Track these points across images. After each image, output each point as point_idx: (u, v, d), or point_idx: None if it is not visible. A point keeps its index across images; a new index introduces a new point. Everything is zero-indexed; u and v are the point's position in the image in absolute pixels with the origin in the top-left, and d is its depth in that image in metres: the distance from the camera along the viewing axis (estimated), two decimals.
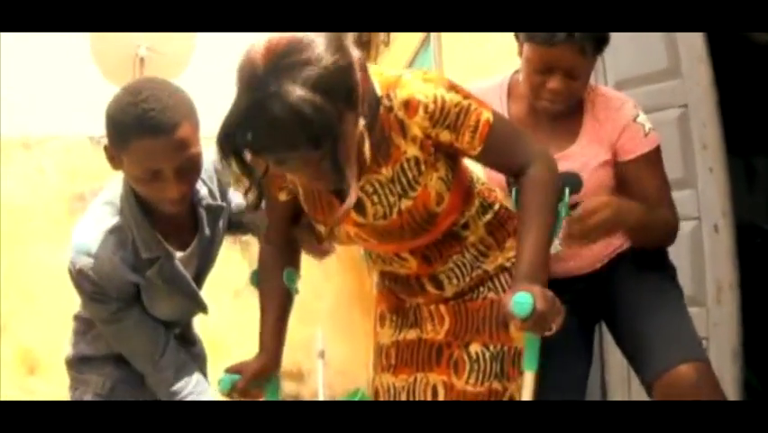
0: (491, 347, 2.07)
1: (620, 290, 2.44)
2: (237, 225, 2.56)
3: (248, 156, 1.78)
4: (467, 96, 1.93)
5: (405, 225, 1.96)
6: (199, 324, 2.79)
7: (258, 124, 1.66)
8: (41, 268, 8.03)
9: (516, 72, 2.44)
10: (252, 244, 2.61)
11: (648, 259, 2.47)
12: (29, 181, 7.98)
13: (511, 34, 2.34)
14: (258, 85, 1.65)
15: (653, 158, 2.40)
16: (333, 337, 6.56)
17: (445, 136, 1.90)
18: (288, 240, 2.22)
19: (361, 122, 1.81)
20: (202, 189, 2.27)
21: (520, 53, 2.35)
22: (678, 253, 2.62)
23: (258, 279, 2.23)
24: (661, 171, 2.43)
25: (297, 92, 1.62)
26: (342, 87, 1.71)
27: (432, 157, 1.93)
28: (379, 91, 1.90)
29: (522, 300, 1.77)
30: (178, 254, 2.28)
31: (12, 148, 8.18)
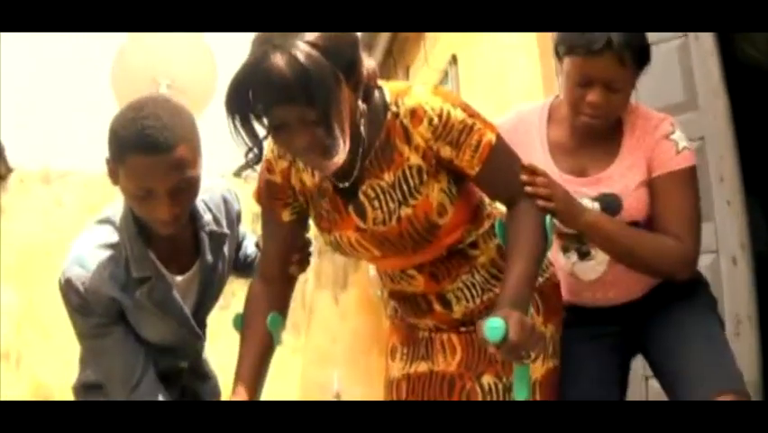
0: (504, 379, 2.04)
1: (660, 320, 2.35)
2: (246, 268, 2.55)
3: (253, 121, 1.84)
4: (473, 114, 1.92)
5: (404, 234, 1.95)
6: (215, 361, 2.77)
7: (259, 74, 1.71)
8: (58, 303, 8.02)
9: (557, 96, 2.42)
10: None
11: (688, 290, 2.38)
12: (47, 215, 8.03)
13: (532, 69, 2.36)
14: (265, 39, 1.73)
15: (683, 177, 2.28)
16: (350, 379, 6.51)
17: (446, 152, 1.90)
18: (281, 277, 2.16)
19: (361, 105, 1.86)
20: (206, 215, 2.26)
21: (559, 72, 2.33)
22: None
23: (241, 320, 2.16)
24: (689, 194, 2.29)
25: (300, 47, 1.69)
26: (344, 56, 1.76)
27: (434, 168, 1.92)
28: (388, 97, 1.93)
29: (495, 325, 1.73)
30: (177, 278, 2.25)
31: (31, 181, 8.24)
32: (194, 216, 2.23)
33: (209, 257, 2.26)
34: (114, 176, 2.06)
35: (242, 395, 1.98)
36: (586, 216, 2.16)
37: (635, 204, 2.28)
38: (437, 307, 2.07)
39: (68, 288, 2.18)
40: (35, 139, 7.23)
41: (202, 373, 2.61)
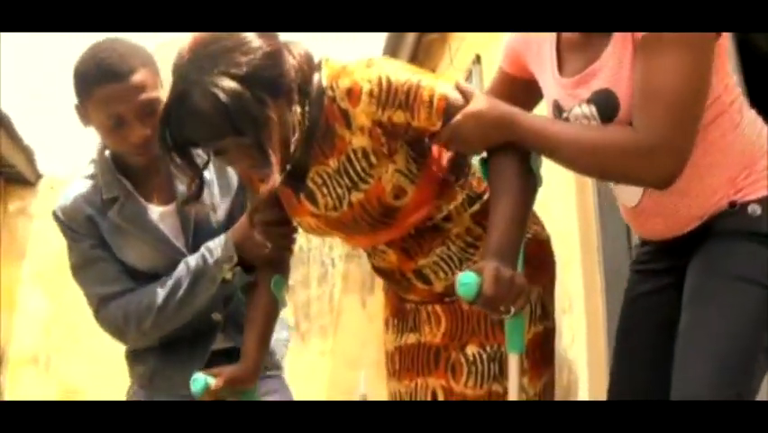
0: (488, 348, 1.98)
1: (690, 277, 1.83)
2: None
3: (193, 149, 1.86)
4: (418, 72, 1.86)
5: (358, 218, 1.91)
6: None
7: (181, 115, 1.74)
8: (87, 308, 8.07)
9: None
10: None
11: (747, 237, 1.78)
12: None
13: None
14: (181, 76, 1.73)
15: (665, 40, 1.67)
16: (377, 381, 6.52)
17: (399, 117, 1.82)
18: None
19: (297, 109, 1.83)
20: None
21: None
22: None
23: (280, 283, 2.17)
24: (666, 63, 1.67)
25: (216, 80, 1.69)
26: (266, 75, 1.75)
27: (385, 147, 1.85)
28: (324, 82, 1.88)
29: (466, 281, 1.65)
30: (158, 208, 2.26)
31: (61, 188, 8.28)
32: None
33: (182, 188, 2.22)
34: (84, 118, 2.18)
35: (246, 370, 2.05)
36: (516, 126, 1.81)
37: (631, 96, 1.77)
38: (417, 283, 2.04)
39: (55, 220, 2.28)
40: (65, 146, 7.28)
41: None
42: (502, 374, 1.95)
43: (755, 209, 1.78)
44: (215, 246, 2.17)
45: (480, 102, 1.83)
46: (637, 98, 1.70)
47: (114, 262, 2.24)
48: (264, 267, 2.14)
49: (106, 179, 2.24)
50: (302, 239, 6.99)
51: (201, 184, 1.97)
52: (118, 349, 2.47)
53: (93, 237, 2.24)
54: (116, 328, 2.26)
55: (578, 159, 1.81)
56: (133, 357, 2.39)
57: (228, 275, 2.15)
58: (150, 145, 2.07)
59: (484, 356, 1.98)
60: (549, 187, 1.96)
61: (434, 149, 1.95)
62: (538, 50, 1.95)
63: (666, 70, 1.67)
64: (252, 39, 1.76)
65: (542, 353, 2.00)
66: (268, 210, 2.05)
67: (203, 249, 2.19)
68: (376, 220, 1.91)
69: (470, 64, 6.07)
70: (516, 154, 1.81)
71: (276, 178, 1.77)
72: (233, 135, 1.73)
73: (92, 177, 2.28)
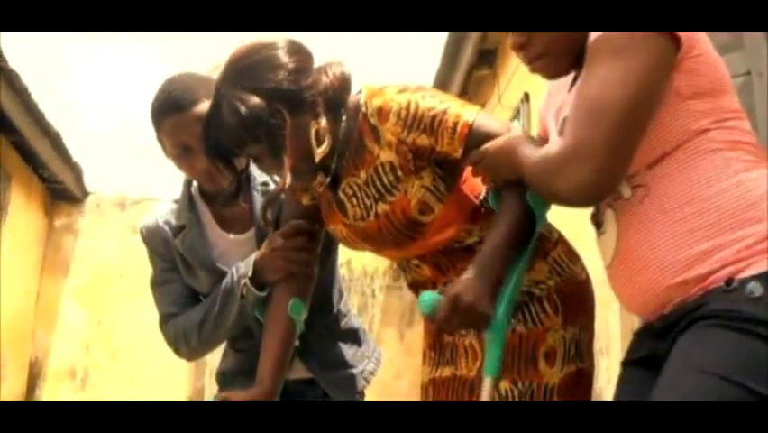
0: (519, 384, 1.98)
1: (666, 366, 1.50)
2: None
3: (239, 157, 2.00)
4: (445, 101, 1.91)
5: (383, 229, 1.96)
6: None
7: (214, 124, 1.90)
8: (126, 326, 8.18)
9: None
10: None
11: (742, 324, 1.42)
12: (121, 240, 8.21)
13: None
14: (216, 89, 1.90)
15: (594, 51, 1.55)
16: None
17: (423, 141, 1.88)
18: (299, 269, 2.19)
19: (322, 122, 1.92)
20: (260, 177, 2.36)
21: None
22: None
23: (264, 308, 2.18)
24: (597, 73, 1.52)
25: (240, 94, 1.85)
26: (286, 89, 1.87)
27: (411, 164, 1.91)
28: (362, 99, 1.96)
29: (423, 299, 1.75)
30: (231, 236, 2.35)
31: (107, 206, 8.44)
32: (248, 178, 2.35)
33: (262, 217, 2.32)
34: (163, 149, 2.28)
35: (261, 394, 2.05)
36: (524, 163, 1.70)
37: None
38: None
39: (140, 234, 2.42)
40: (113, 165, 7.42)
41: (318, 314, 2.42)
42: None
43: (754, 289, 1.43)
44: (244, 264, 2.23)
45: (516, 136, 1.81)
46: (571, 107, 1.58)
47: (180, 285, 2.36)
48: (282, 289, 2.17)
49: (181, 206, 2.37)
50: (344, 269, 7.02)
51: (239, 186, 2.12)
52: (153, 367, 2.51)
53: (166, 260, 2.37)
54: (172, 345, 2.38)
55: (531, 183, 1.70)
56: (221, 377, 2.50)
57: (244, 290, 2.20)
58: (216, 174, 2.17)
59: (515, 393, 1.98)
60: (589, 227, 1.95)
61: (467, 173, 1.96)
62: (559, 87, 1.89)
63: (594, 80, 1.52)
64: (282, 56, 1.90)
65: (573, 394, 1.97)
66: (291, 234, 2.14)
67: (233, 267, 2.25)
68: (400, 233, 1.96)
69: (519, 102, 6.07)
70: (514, 191, 1.83)
71: (286, 182, 1.90)
72: (253, 143, 1.87)
73: (175, 201, 2.41)
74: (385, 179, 1.93)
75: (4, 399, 7.06)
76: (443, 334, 2.14)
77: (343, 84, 1.98)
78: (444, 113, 1.87)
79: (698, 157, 1.51)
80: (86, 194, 8.36)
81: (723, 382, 1.39)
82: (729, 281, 1.45)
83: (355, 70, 2.02)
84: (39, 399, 7.75)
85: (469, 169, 1.94)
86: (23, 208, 7.36)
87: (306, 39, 2.00)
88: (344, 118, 1.97)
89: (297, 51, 1.93)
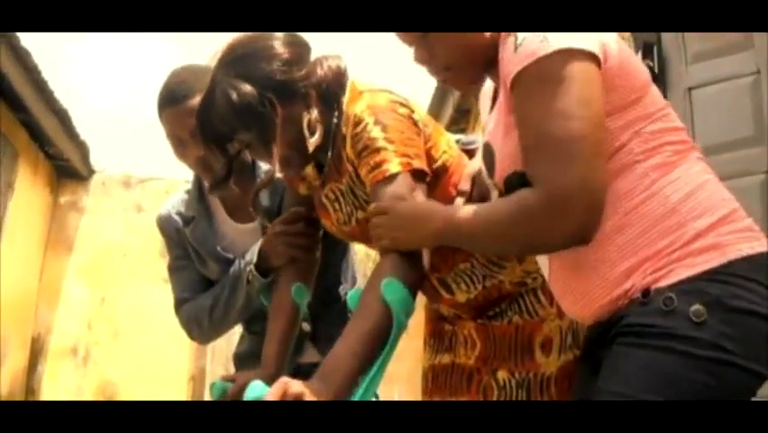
0: (517, 375, 2.00)
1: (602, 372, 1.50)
2: None
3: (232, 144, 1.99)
4: (393, 141, 1.84)
5: (367, 234, 1.90)
6: None
7: (206, 110, 1.91)
8: (129, 304, 8.21)
9: None
10: None
11: (654, 339, 1.42)
12: (126, 218, 8.24)
13: None
14: (212, 76, 1.92)
15: (527, 82, 1.47)
16: (410, 395, 6.53)
17: (352, 158, 1.91)
18: (301, 254, 2.22)
19: (314, 112, 1.93)
20: (264, 166, 2.39)
21: None
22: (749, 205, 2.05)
23: (269, 293, 2.24)
24: (538, 104, 1.46)
25: (233, 82, 1.87)
26: (278, 79, 1.89)
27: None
28: (344, 104, 1.97)
29: (249, 389, 1.74)
30: (239, 226, 2.40)
31: (112, 185, 8.45)
32: (253, 167, 2.40)
33: (266, 204, 2.38)
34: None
35: (264, 377, 1.99)
36: (431, 225, 1.67)
37: (508, 150, 1.58)
38: (442, 292, 2.08)
39: (156, 223, 2.49)
40: (119, 144, 7.44)
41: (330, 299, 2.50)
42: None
43: (667, 301, 1.41)
44: (250, 251, 2.27)
45: (405, 203, 1.74)
46: (524, 151, 1.49)
47: (193, 271, 2.42)
48: (285, 274, 2.20)
49: (191, 196, 2.43)
50: None
51: (230, 171, 2.11)
52: (155, 346, 2.56)
53: (180, 248, 2.44)
54: (186, 328, 2.44)
55: (497, 243, 1.61)
56: (237, 360, 2.57)
57: (250, 276, 2.25)
58: (207, 166, 2.23)
59: (513, 382, 2.01)
60: None
61: (447, 181, 1.97)
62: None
63: (539, 112, 1.45)
64: (277, 46, 1.92)
65: (570, 382, 1.97)
66: (291, 221, 2.18)
67: (240, 256, 2.30)
68: None
69: None
70: (378, 280, 1.75)
71: (275, 170, 1.91)
72: (244, 130, 1.89)
73: (187, 192, 2.46)
74: (359, 191, 1.94)
75: (5, 375, 7.11)
76: (442, 322, 2.17)
77: (338, 77, 1.98)
78: (377, 151, 1.84)
79: (618, 174, 1.49)
80: (91, 172, 8.38)
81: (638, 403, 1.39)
82: (646, 293, 1.44)
83: (357, 69, 2.03)
84: (40, 375, 7.78)
85: (454, 165, 1.96)
86: (30, 185, 7.38)
87: (307, 38, 2.02)
88: (336, 114, 1.97)
89: (294, 43, 1.95)
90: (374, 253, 2.18)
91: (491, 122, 1.69)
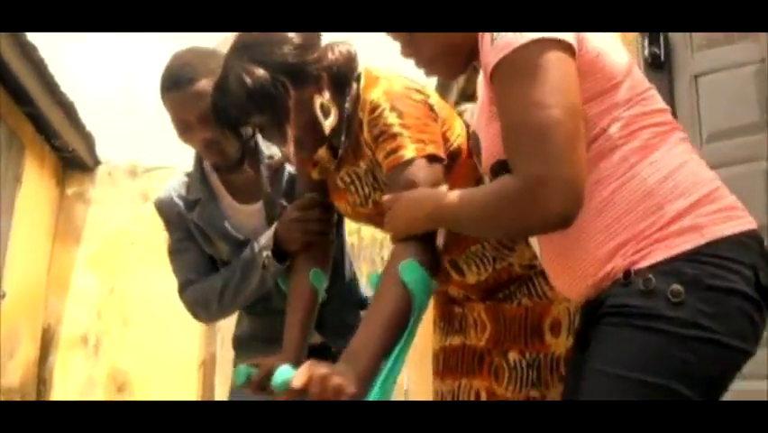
0: (527, 355, 2.02)
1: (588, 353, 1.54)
2: None
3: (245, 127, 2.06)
4: (409, 127, 1.86)
5: (382, 215, 1.91)
6: None
7: (221, 94, 1.94)
8: (138, 292, 8.25)
9: None
10: None
11: (634, 319, 1.45)
12: (133, 208, 8.27)
13: None
14: (226, 60, 1.95)
15: (504, 75, 1.51)
16: (419, 378, 6.55)
17: (369, 142, 1.93)
18: (317, 239, 2.23)
19: (327, 95, 1.96)
20: (267, 150, 2.43)
21: None
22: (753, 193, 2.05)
23: (286, 278, 2.25)
24: (514, 94, 1.49)
25: (247, 66, 1.90)
26: (291, 63, 1.92)
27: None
28: (361, 89, 1.99)
29: (278, 373, 1.71)
30: (243, 207, 2.41)
31: (118, 175, 8.47)
32: (257, 150, 2.41)
33: (269, 188, 2.40)
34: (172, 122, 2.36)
35: (287, 361, 1.95)
36: (423, 209, 1.73)
37: (488, 135, 1.66)
38: (453, 274, 2.09)
39: (155, 209, 2.48)
40: (124, 134, 7.45)
41: (351, 301, 2.56)
42: (540, 380, 2.00)
43: (647, 282, 1.45)
44: (264, 236, 2.27)
45: (430, 190, 1.77)
46: (504, 140, 1.53)
47: (196, 253, 2.42)
48: (302, 259, 2.21)
49: (193, 179, 2.43)
50: (354, 237, 7.03)
51: (243, 154, 2.17)
52: (165, 333, 2.57)
53: (181, 230, 2.43)
54: (191, 310, 2.43)
55: (478, 226, 1.67)
56: (236, 343, 2.58)
57: (266, 261, 2.25)
58: (213, 147, 2.24)
59: (523, 363, 2.03)
60: None
61: (463, 163, 1.98)
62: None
63: (516, 101, 1.49)
64: (292, 34, 1.95)
65: None
66: (306, 207, 2.19)
67: (254, 239, 2.29)
68: None
69: None
70: (396, 265, 1.77)
71: (291, 153, 1.96)
72: (257, 113, 1.92)
73: (188, 175, 2.46)
74: (379, 174, 1.96)
75: (17, 367, 7.16)
76: (452, 305, 2.19)
77: (348, 61, 2.02)
78: (394, 135, 1.86)
79: (599, 159, 1.53)
80: (97, 163, 8.40)
81: (621, 380, 1.43)
82: (627, 274, 1.48)
83: (364, 58, 2.06)
84: (51, 365, 7.83)
85: (465, 148, 1.98)
86: (37, 178, 7.40)
87: None
88: (348, 99, 2.00)
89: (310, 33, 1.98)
90: (381, 237, 2.20)
91: (477, 110, 1.75)
